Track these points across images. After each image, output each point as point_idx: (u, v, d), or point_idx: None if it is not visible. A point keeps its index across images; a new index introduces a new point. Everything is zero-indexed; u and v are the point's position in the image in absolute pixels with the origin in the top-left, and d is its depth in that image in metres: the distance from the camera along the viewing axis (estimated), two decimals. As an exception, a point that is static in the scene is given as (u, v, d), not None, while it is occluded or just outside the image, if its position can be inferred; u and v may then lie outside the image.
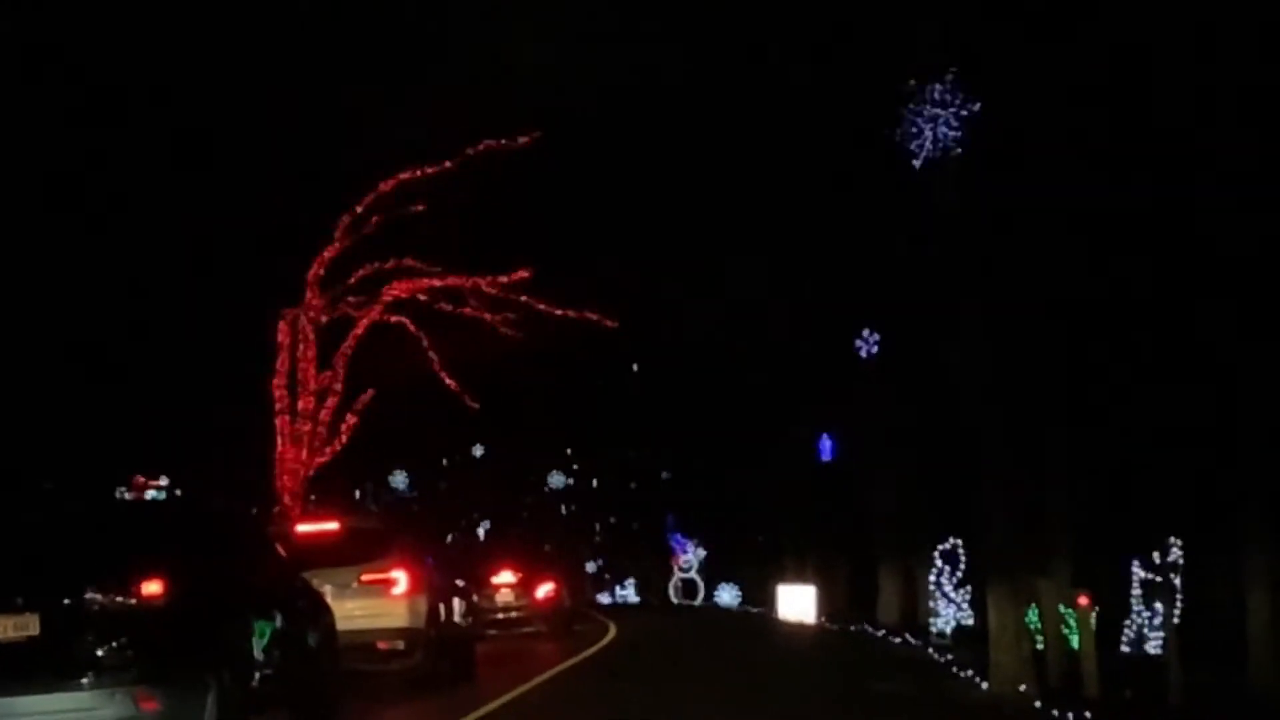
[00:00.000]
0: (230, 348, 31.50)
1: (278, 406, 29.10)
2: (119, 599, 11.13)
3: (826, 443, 45.63)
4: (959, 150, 21.17)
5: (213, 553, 12.53)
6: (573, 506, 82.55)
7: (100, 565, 11.39)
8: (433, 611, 19.76)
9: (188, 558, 11.87)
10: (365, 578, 19.05)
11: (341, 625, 15.67)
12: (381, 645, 18.78)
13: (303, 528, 20.15)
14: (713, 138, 34.71)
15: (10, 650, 10.87)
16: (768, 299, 40.53)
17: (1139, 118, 22.87)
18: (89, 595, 11.09)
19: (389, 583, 19.16)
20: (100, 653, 10.92)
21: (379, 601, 18.91)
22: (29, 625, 10.90)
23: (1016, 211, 22.42)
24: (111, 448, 34.44)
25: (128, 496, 31.73)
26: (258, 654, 12.50)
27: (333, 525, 20.42)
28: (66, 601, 11.08)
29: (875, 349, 38.65)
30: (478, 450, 67.91)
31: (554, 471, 78.85)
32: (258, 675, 12.43)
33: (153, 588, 11.19)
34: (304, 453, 29.23)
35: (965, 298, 21.75)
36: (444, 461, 67.59)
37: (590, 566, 79.56)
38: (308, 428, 29.24)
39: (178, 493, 34.91)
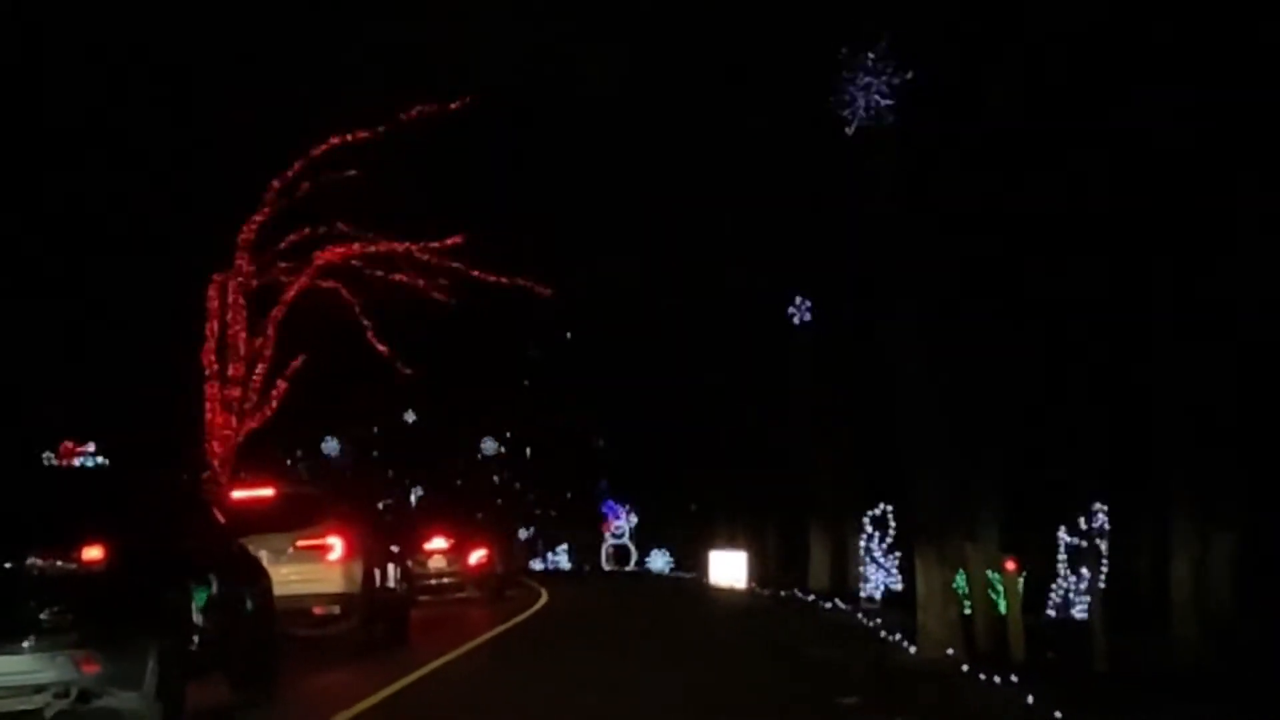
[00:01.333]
0: (159, 312, 31.47)
1: (208, 372, 29.01)
2: (60, 564, 11.37)
3: (759, 407, 45.92)
4: (891, 118, 21.38)
5: (152, 518, 12.77)
6: (505, 474, 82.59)
7: (41, 531, 11.63)
8: (368, 577, 20.12)
9: (128, 523, 12.11)
10: (301, 543, 19.41)
11: (277, 590, 15.95)
12: (317, 610, 19.17)
13: (238, 494, 20.44)
14: (648, 104, 34.87)
15: None
16: (701, 265, 40.77)
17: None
18: (30, 560, 11.34)
19: (325, 548, 19.52)
20: (42, 617, 11.15)
21: (315, 567, 19.28)
22: None
23: (951, 183, 22.67)
24: (38, 414, 34.40)
25: (56, 463, 31.74)
26: (196, 618, 12.78)
27: (268, 491, 20.74)
28: (7, 566, 11.31)
29: (808, 316, 38.92)
30: (410, 417, 67.83)
31: (486, 438, 78.79)
32: (196, 639, 12.72)
33: (93, 553, 11.43)
34: (234, 419, 29.24)
35: (898, 265, 22.03)
36: (375, 429, 67.56)
37: (523, 533, 79.71)
38: (238, 394, 29.20)
39: (103, 460, 34.91)
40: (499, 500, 77.93)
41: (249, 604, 14.35)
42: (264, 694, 14.50)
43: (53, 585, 11.29)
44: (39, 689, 11.28)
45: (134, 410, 34.79)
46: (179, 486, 15.57)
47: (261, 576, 15.24)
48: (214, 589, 13.21)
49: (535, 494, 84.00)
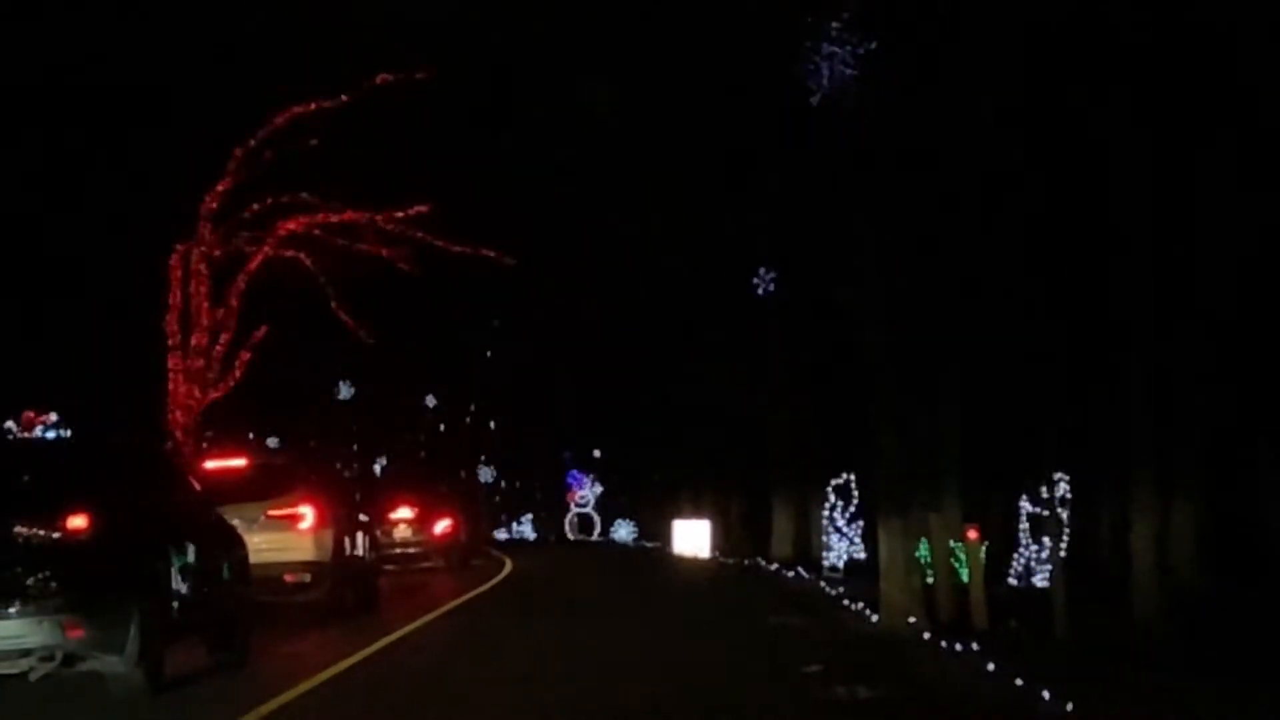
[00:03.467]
0: (122, 282, 31.67)
1: (170, 342, 29.17)
2: (45, 533, 11.91)
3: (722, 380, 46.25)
4: (855, 88, 21.62)
5: (133, 487, 13.31)
6: (469, 445, 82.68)
7: (26, 500, 12.15)
8: (338, 545, 20.70)
9: (110, 492, 12.64)
10: (272, 512, 19.95)
11: (249, 558, 16.45)
12: (288, 578, 19.72)
13: (211, 463, 20.93)
14: (611, 70, 35.11)
15: None
16: (666, 236, 41.08)
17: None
18: (16, 529, 11.86)
19: (296, 517, 20.09)
20: (28, 583, 11.72)
21: (286, 535, 19.83)
22: None
23: (914, 149, 23.01)
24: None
25: (17, 433, 31.95)
26: (175, 584, 13.30)
27: (240, 461, 21.28)
28: None
29: (772, 286, 39.30)
30: (373, 388, 67.90)
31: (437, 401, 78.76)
32: (176, 604, 13.25)
33: (78, 522, 11.99)
34: (197, 389, 29.47)
35: (860, 235, 22.39)
36: (341, 397, 67.72)
37: (487, 502, 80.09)
38: (201, 364, 29.41)
39: (65, 430, 35.04)
40: (462, 471, 78.35)
41: (225, 571, 14.89)
42: (240, 658, 15.04)
43: (38, 553, 11.85)
44: (25, 653, 11.85)
45: (96, 380, 34.99)
46: (158, 456, 16.07)
47: (237, 544, 15.78)
48: (193, 556, 13.74)
49: (500, 463, 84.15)
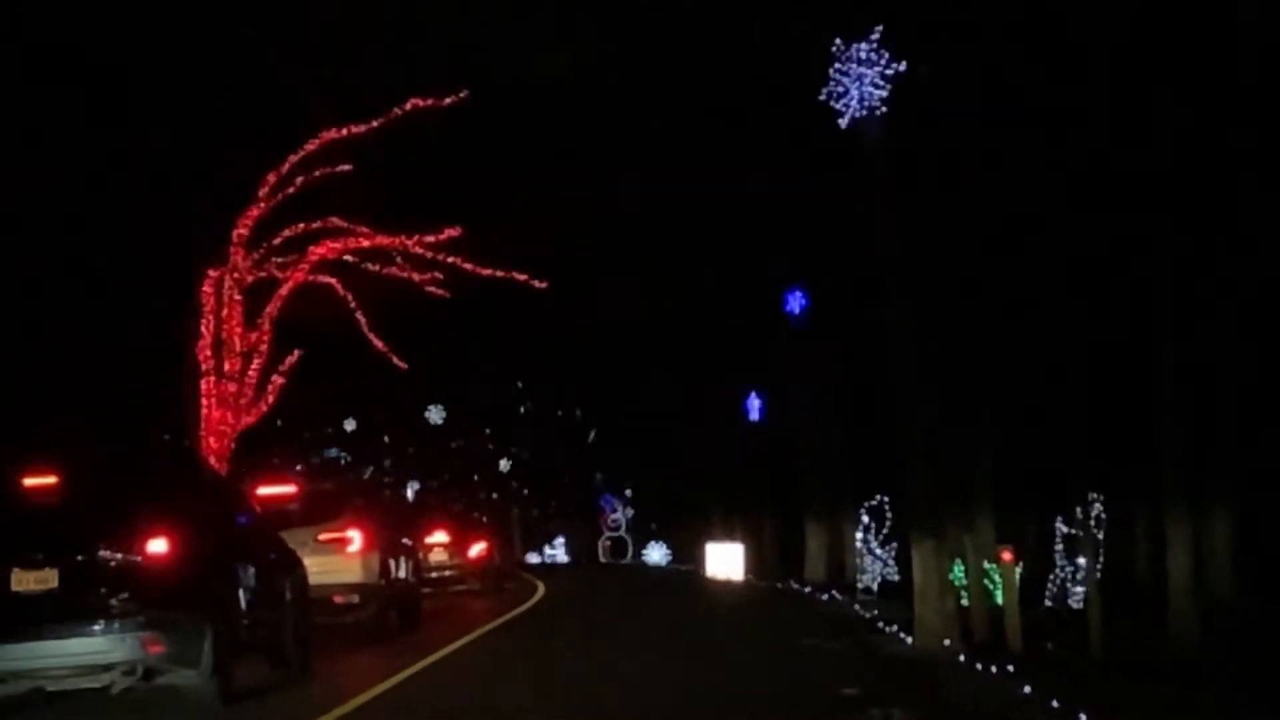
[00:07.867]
0: (154, 308, 32.46)
1: (203, 368, 29.95)
2: (127, 555, 13.22)
3: (754, 401, 47.17)
4: (884, 109, 22.37)
5: (206, 512, 14.63)
6: (502, 469, 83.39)
7: (111, 525, 13.42)
8: (384, 568, 22.08)
9: (186, 517, 13.91)
10: (322, 537, 21.32)
11: (302, 580, 17.74)
12: (337, 599, 21.06)
13: (263, 490, 22.20)
14: (641, 94, 35.97)
15: (32, 601, 13.05)
16: (697, 258, 41.94)
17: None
18: (101, 552, 13.17)
19: (344, 541, 21.49)
20: (112, 603, 13.06)
21: (335, 559, 21.18)
22: (49, 579, 13.10)
23: (944, 169, 23.76)
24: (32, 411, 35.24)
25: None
26: (243, 603, 14.62)
27: (291, 488, 22.66)
28: (80, 558, 13.17)
29: (803, 308, 40.12)
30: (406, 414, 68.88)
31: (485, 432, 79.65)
32: (245, 622, 14.58)
33: (157, 545, 13.32)
34: (230, 414, 30.34)
35: (891, 256, 23.16)
36: (385, 439, 68.83)
37: (519, 525, 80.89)
38: (234, 389, 30.19)
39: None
40: (495, 494, 79.28)
41: (287, 591, 16.22)
42: (300, 672, 16.36)
43: (121, 574, 13.21)
44: (108, 667, 13.21)
45: (129, 406, 35.80)
46: (227, 481, 17.40)
47: (298, 565, 17.16)
48: (258, 577, 15.07)
49: (532, 487, 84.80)
